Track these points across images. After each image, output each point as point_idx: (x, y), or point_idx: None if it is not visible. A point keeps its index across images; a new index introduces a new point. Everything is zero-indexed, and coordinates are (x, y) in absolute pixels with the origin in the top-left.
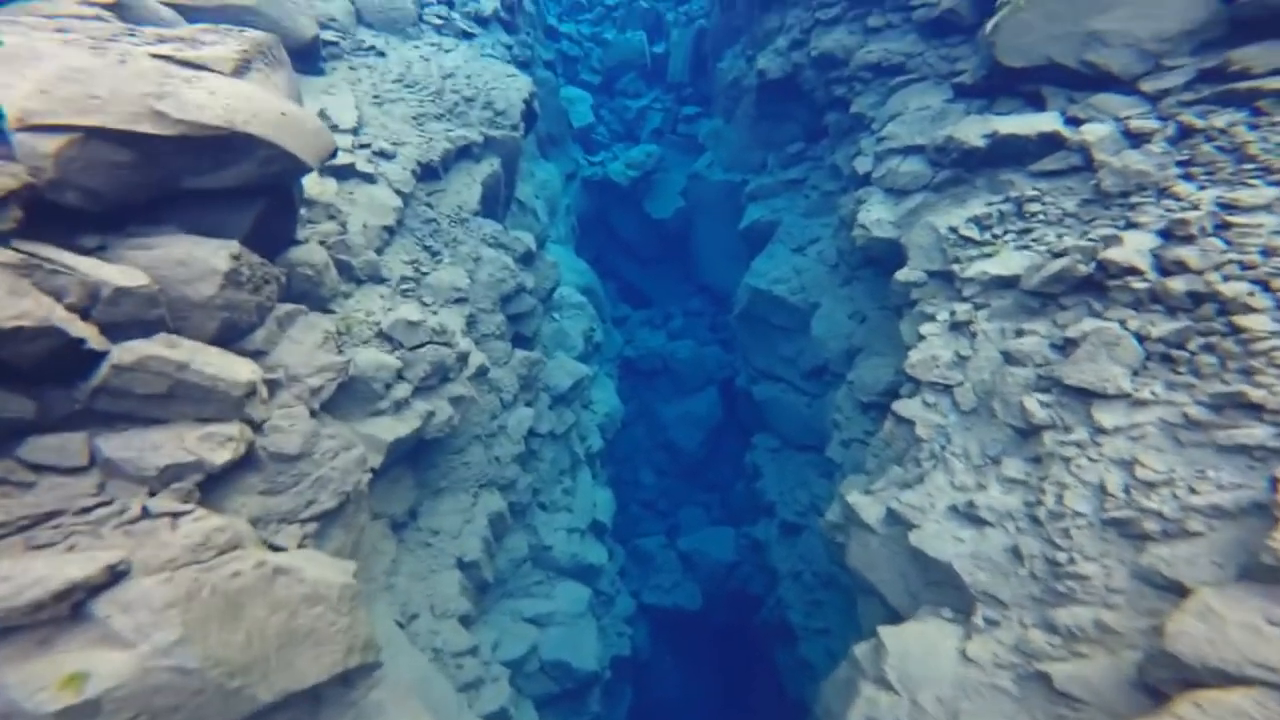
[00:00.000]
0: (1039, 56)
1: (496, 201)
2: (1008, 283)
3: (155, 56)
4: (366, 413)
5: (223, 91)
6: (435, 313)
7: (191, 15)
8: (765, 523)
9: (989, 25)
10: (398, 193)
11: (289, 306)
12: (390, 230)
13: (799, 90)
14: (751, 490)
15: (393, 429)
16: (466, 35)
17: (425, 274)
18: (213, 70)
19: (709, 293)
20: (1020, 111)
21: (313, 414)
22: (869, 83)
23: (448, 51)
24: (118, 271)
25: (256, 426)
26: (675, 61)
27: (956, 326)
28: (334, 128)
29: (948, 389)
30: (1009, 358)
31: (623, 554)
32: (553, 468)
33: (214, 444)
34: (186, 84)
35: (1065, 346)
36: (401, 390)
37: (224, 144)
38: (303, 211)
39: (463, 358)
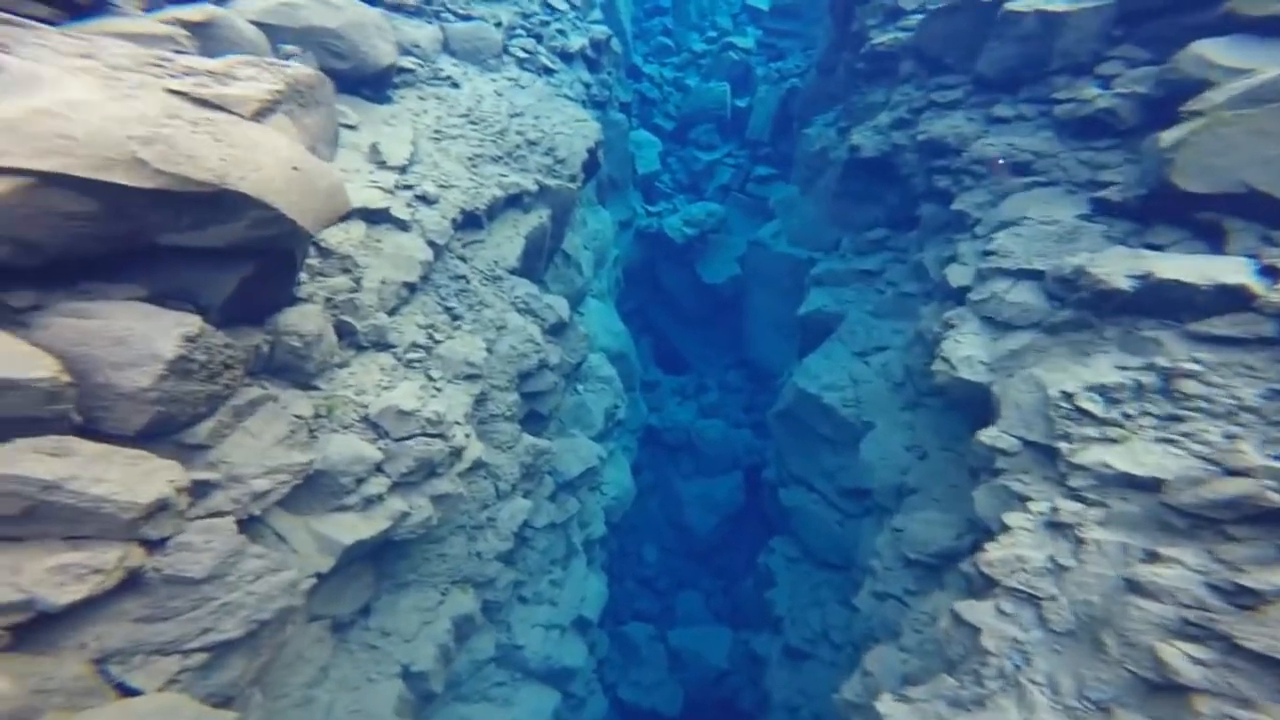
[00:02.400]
0: (1233, 183)
1: (539, 256)
2: (1140, 484)
3: (171, 92)
4: (328, 508)
5: (230, 138)
6: (438, 391)
7: (278, 36)
8: (769, 637)
9: (1167, 138)
10: (430, 244)
11: (254, 392)
12: (412, 287)
13: (893, 172)
14: (760, 595)
15: (354, 530)
16: (548, 71)
17: (439, 342)
18: (230, 112)
19: (750, 368)
20: (1186, 245)
21: (245, 523)
22: (982, 178)
23: (523, 88)
24: (15, 356)
25: (156, 544)
26: (757, 118)
27: (1057, 526)
28: (381, 163)
29: (1034, 600)
30: (1134, 586)
31: (606, 641)
32: (543, 558)
33: (68, 578)
34: (191, 127)
35: (1237, 593)
36: (376, 485)
37: (210, 201)
38: (314, 260)
39: (456, 453)
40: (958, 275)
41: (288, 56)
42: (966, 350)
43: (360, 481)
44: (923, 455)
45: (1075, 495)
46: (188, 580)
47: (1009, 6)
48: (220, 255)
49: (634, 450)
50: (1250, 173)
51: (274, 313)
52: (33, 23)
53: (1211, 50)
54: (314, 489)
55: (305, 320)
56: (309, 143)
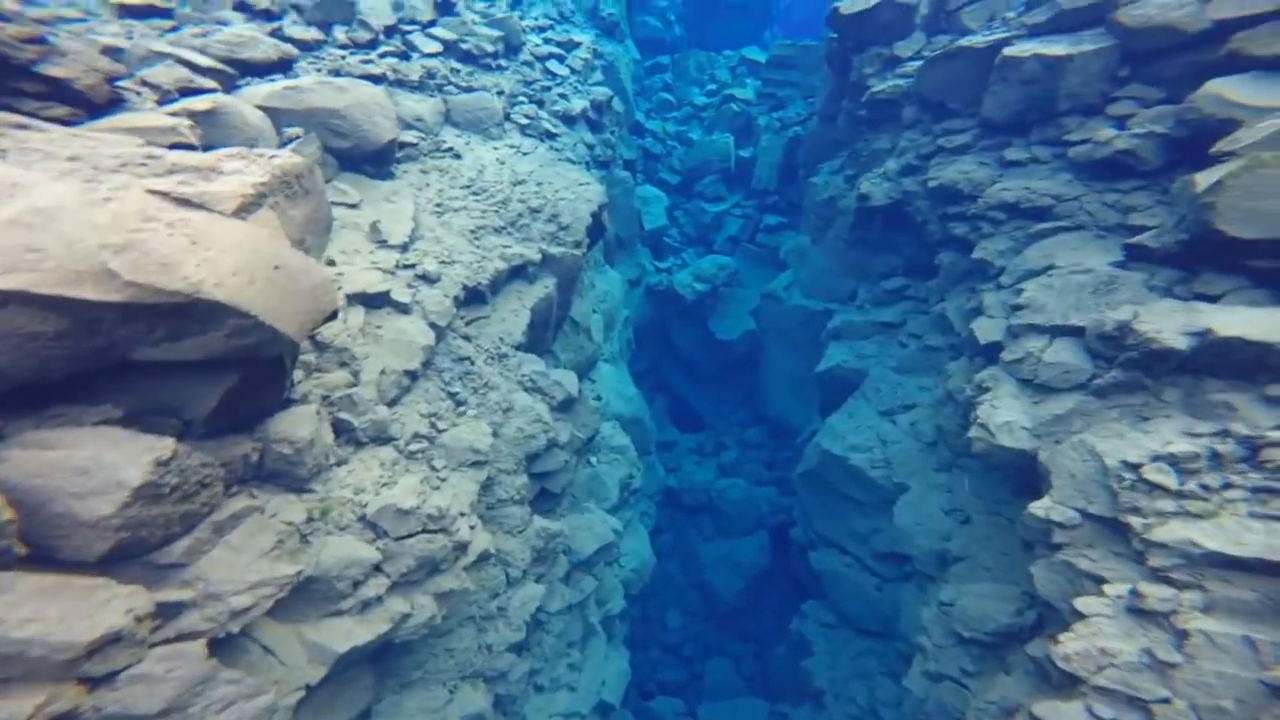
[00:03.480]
0: None
1: (546, 327)
2: (1247, 566)
3: (151, 192)
4: (322, 613)
5: (206, 240)
6: (442, 482)
7: (282, 119)
8: (810, 712)
9: (1202, 181)
10: (432, 326)
11: (239, 504)
12: (413, 375)
13: (906, 220)
14: (796, 665)
15: (349, 636)
16: (550, 135)
17: (442, 431)
18: (211, 210)
19: (769, 424)
20: (1244, 295)
21: (217, 643)
22: (1001, 224)
23: (525, 154)
24: None
25: (104, 680)
26: (762, 167)
27: (1145, 614)
28: (382, 242)
29: (1139, 704)
30: None
31: None
32: (559, 641)
33: None
34: (168, 229)
35: None
36: (374, 586)
37: (184, 311)
38: (311, 356)
39: (461, 547)
40: (986, 330)
41: (290, 139)
42: (1005, 415)
43: (357, 584)
44: (965, 520)
45: (1161, 577)
46: (138, 717)
47: (1007, 51)
48: (201, 367)
49: (652, 516)
50: None
51: (265, 418)
52: (47, 125)
53: (1229, 89)
54: (306, 595)
55: (298, 426)
56: (297, 235)
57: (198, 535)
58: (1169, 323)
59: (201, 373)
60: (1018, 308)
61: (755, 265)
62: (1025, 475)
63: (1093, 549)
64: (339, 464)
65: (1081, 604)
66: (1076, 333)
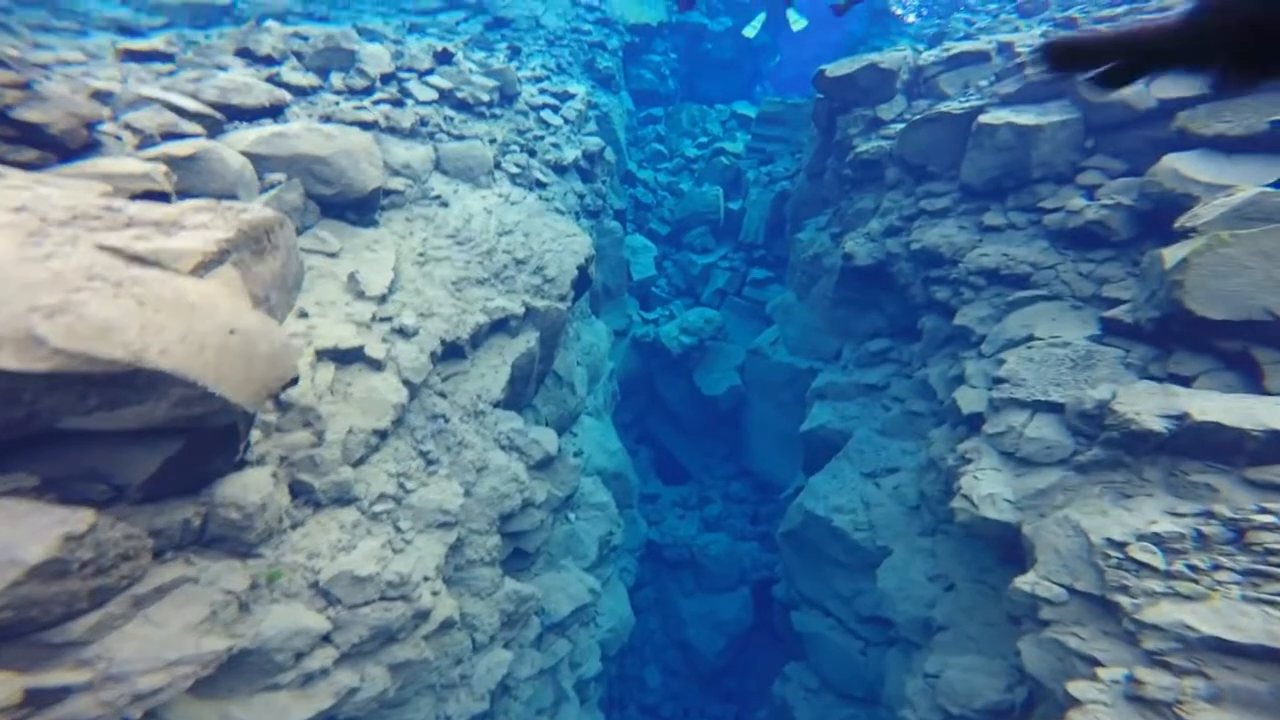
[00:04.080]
0: (1255, 309)
1: (527, 382)
2: (1249, 654)
3: (102, 248)
4: (255, 688)
5: (156, 302)
6: (406, 543)
7: (266, 165)
8: None
9: (1169, 257)
10: (406, 383)
11: (169, 574)
12: (383, 434)
13: (890, 281)
14: None
15: (285, 712)
16: (540, 184)
17: (410, 491)
18: (166, 268)
19: (754, 479)
20: (1216, 376)
21: None
22: (981, 290)
23: (514, 203)
24: None
25: None
26: (750, 220)
27: (1146, 702)
28: (359, 294)
29: None
30: None
31: None
32: (528, 709)
33: None
34: (114, 290)
35: None
36: (320, 658)
37: (121, 380)
38: (271, 415)
39: (422, 615)
40: (968, 400)
41: (271, 185)
42: (988, 487)
43: (300, 656)
44: (949, 587)
45: (1157, 661)
46: None
47: (982, 119)
48: (140, 435)
49: (633, 571)
50: (1272, 299)
51: (212, 481)
52: (6, 170)
53: (1184, 164)
54: (240, 669)
55: (248, 490)
56: (261, 293)
57: (110, 610)
58: (1147, 404)
59: (139, 440)
60: (999, 380)
61: (742, 319)
62: (1008, 546)
63: (1082, 627)
64: (294, 526)
65: (1076, 689)
66: (1056, 409)
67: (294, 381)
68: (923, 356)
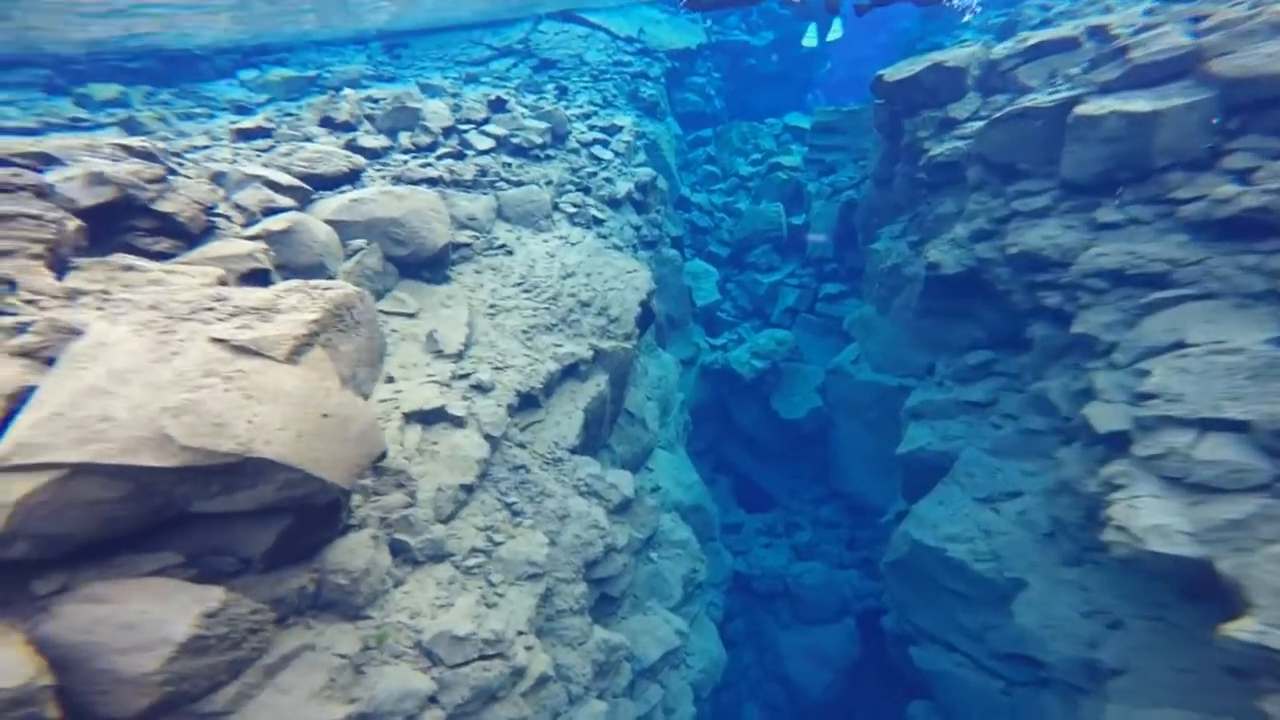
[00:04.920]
0: None
1: (600, 425)
2: None
3: (214, 341)
4: None
5: (260, 393)
6: (500, 597)
7: (347, 231)
8: None
9: None
10: (487, 438)
11: (292, 643)
12: (469, 489)
13: (984, 288)
14: None
15: None
16: (597, 221)
17: (499, 544)
18: (265, 355)
19: (846, 501)
20: None
21: None
22: (1102, 294)
23: (574, 244)
24: None
25: None
26: (817, 233)
27: None
28: (438, 353)
29: None
30: None
31: None
32: None
33: None
34: (225, 384)
35: None
36: (430, 718)
37: (234, 469)
38: (368, 480)
39: (518, 672)
40: (1103, 417)
41: (354, 251)
42: (1151, 518)
43: (411, 718)
44: (1114, 624)
45: None
46: None
47: (1079, 110)
48: (256, 514)
49: (720, 605)
50: None
51: (322, 547)
52: (149, 263)
53: None
54: None
55: (353, 556)
56: (348, 371)
57: (246, 680)
58: None
59: (256, 518)
60: (1145, 396)
61: (817, 336)
62: (1190, 581)
63: None
64: (396, 585)
65: None
66: (1236, 427)
67: (384, 455)
68: (1035, 369)
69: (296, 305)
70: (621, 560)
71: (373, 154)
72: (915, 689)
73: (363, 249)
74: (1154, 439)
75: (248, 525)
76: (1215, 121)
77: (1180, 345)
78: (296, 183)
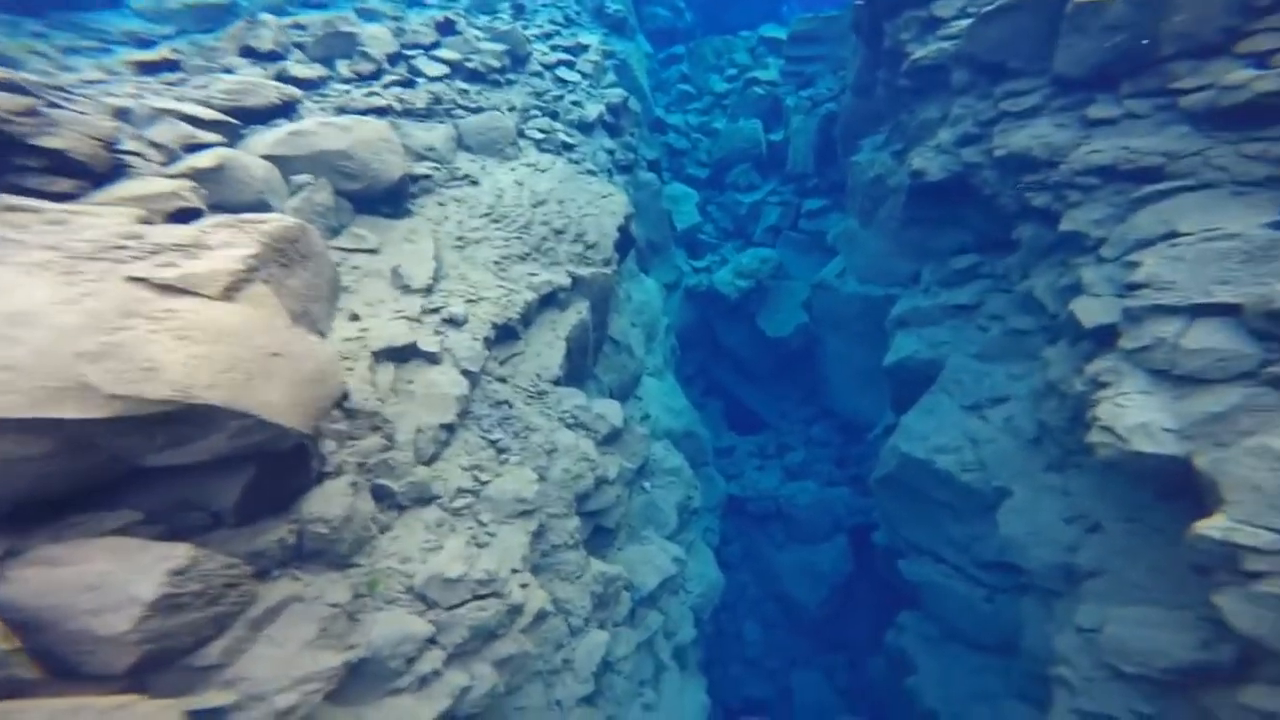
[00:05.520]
0: None
1: (585, 354)
2: None
3: (132, 280)
4: (381, 694)
5: (195, 333)
6: (491, 537)
7: (289, 166)
8: None
9: None
10: (465, 374)
11: (277, 595)
12: (450, 428)
13: (971, 192)
14: (899, 683)
15: (413, 716)
16: (567, 146)
17: (486, 483)
18: (197, 294)
19: (836, 419)
20: None
21: None
22: (1093, 190)
23: (543, 171)
24: None
25: None
26: (797, 149)
27: None
28: (405, 288)
29: None
30: None
31: None
32: (630, 682)
33: None
34: (150, 326)
35: None
36: (430, 660)
37: (180, 418)
38: (342, 425)
39: (516, 609)
40: (1091, 311)
41: (300, 187)
42: (1138, 415)
43: (411, 661)
44: (1093, 528)
45: None
46: None
47: None
48: (214, 465)
49: (716, 530)
50: None
51: (299, 496)
52: (43, 204)
53: None
54: (362, 676)
55: (329, 504)
56: (298, 307)
57: (235, 634)
58: None
59: (218, 470)
60: (1135, 286)
61: (801, 254)
62: (1168, 479)
63: None
64: (383, 530)
65: None
66: (1228, 311)
67: (345, 396)
68: (1022, 268)
69: (229, 240)
70: (614, 492)
71: (309, 84)
72: (904, 600)
73: (310, 184)
74: (1142, 330)
75: (210, 477)
76: None
77: (1173, 235)
78: (221, 117)
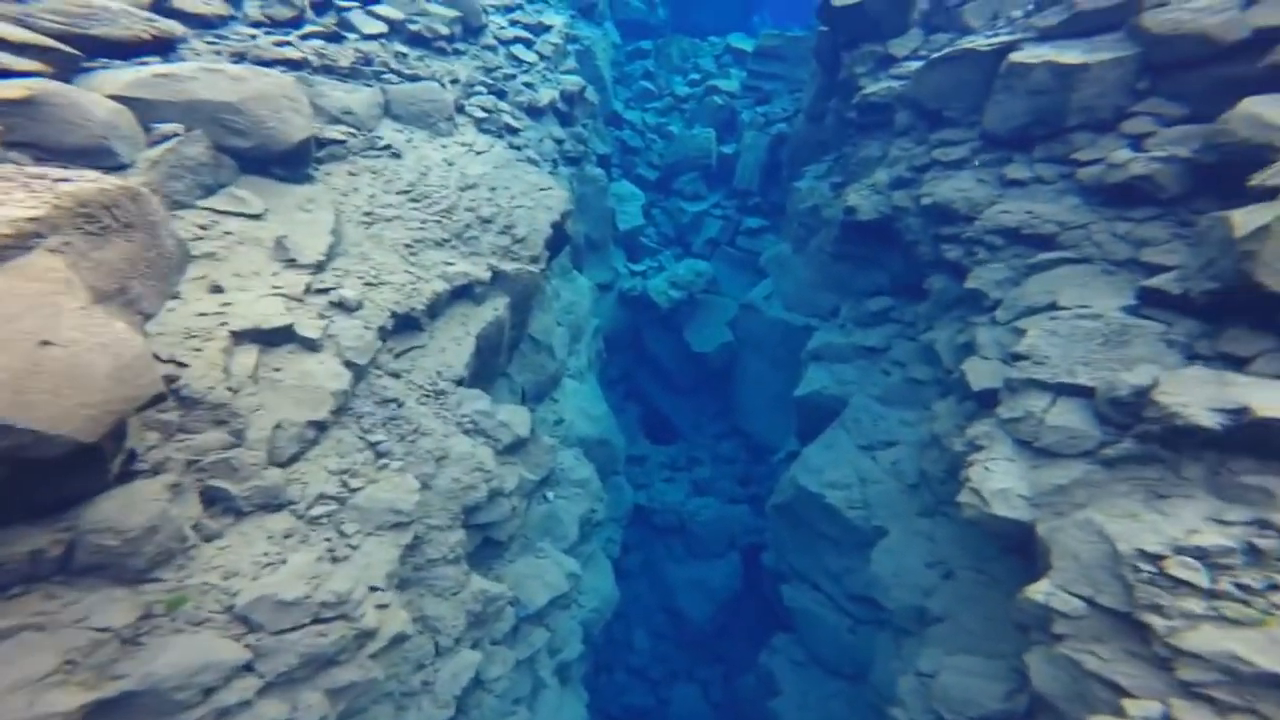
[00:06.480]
0: None
1: (497, 353)
2: None
3: None
4: None
5: None
6: (352, 550)
7: (153, 113)
8: None
9: (1241, 222)
10: (348, 365)
11: (10, 620)
12: (321, 425)
13: (895, 237)
14: (762, 701)
15: None
16: (511, 130)
17: (356, 490)
18: None
19: (745, 439)
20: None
21: None
22: (997, 250)
23: (479, 154)
24: None
25: None
26: (744, 166)
27: None
28: (290, 262)
29: None
30: None
31: None
32: (503, 700)
33: None
34: None
35: None
36: (238, 690)
37: None
38: (173, 415)
39: (365, 634)
40: (979, 373)
41: (164, 137)
42: (1001, 481)
43: (210, 691)
44: (947, 574)
45: (1197, 695)
46: None
47: (1014, 57)
48: None
49: (618, 541)
50: None
51: (82, 500)
52: None
53: (1269, 110)
54: (131, 712)
55: (128, 510)
56: (110, 285)
57: None
58: (1197, 395)
59: None
60: (1018, 356)
61: (734, 270)
62: (1016, 539)
63: (1102, 645)
64: (208, 539)
65: None
66: (1084, 393)
67: (159, 399)
68: (928, 318)
69: (5, 198)
70: (509, 504)
71: (201, 22)
72: (782, 622)
73: (179, 136)
74: (1016, 401)
75: None
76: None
77: (1054, 306)
78: (49, 43)
